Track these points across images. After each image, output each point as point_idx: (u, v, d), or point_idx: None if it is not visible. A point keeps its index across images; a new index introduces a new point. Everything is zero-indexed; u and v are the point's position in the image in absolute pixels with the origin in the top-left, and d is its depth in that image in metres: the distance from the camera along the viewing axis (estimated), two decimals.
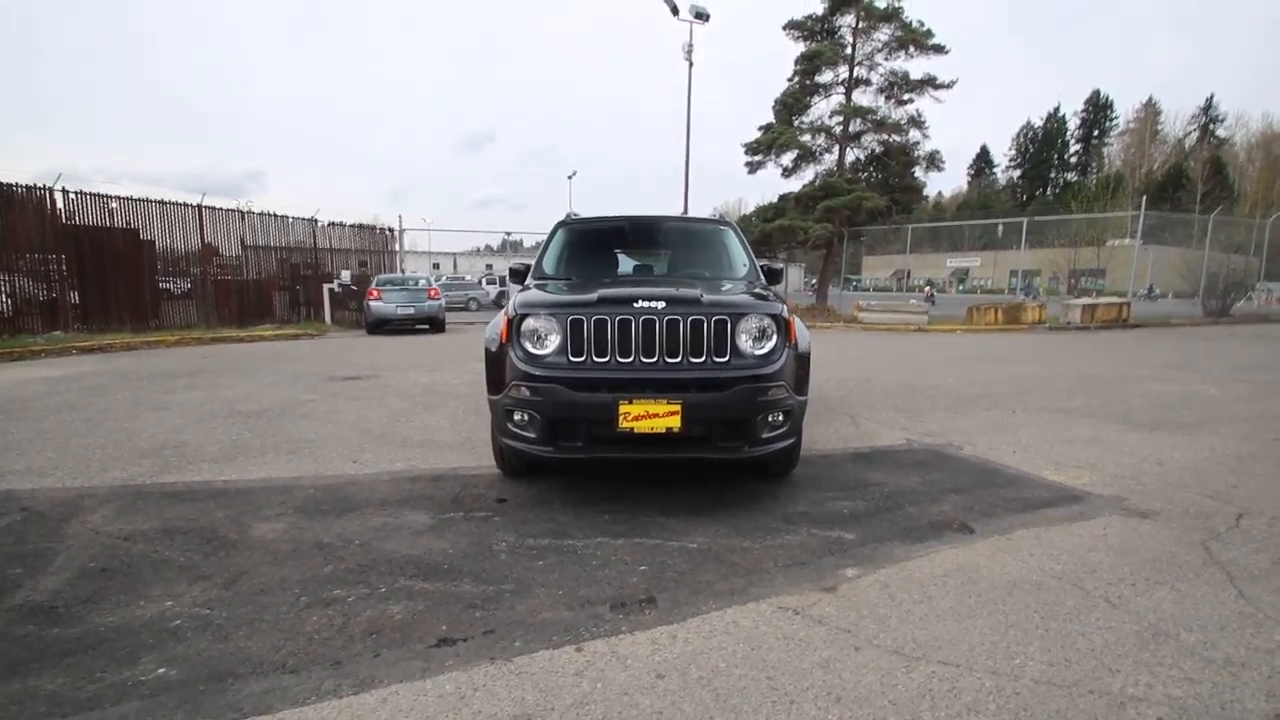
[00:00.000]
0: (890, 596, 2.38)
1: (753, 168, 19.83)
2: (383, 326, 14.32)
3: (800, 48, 19.54)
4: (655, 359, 3.05)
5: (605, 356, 3.07)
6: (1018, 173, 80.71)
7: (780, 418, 3.18)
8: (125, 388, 7.01)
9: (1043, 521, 3.13)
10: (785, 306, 3.30)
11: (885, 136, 19.51)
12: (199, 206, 14.18)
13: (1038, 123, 79.76)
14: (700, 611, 2.27)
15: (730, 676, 1.89)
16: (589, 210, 5.28)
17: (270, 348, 11.61)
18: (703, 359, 3.06)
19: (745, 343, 3.13)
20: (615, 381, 3.02)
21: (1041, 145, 79.23)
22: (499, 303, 28.39)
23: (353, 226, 17.87)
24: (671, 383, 3.01)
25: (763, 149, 19.34)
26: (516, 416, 3.17)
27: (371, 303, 14.12)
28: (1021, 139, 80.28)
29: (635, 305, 3.07)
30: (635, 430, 2.98)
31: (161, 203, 13.50)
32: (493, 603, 2.32)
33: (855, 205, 17.51)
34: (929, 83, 18.85)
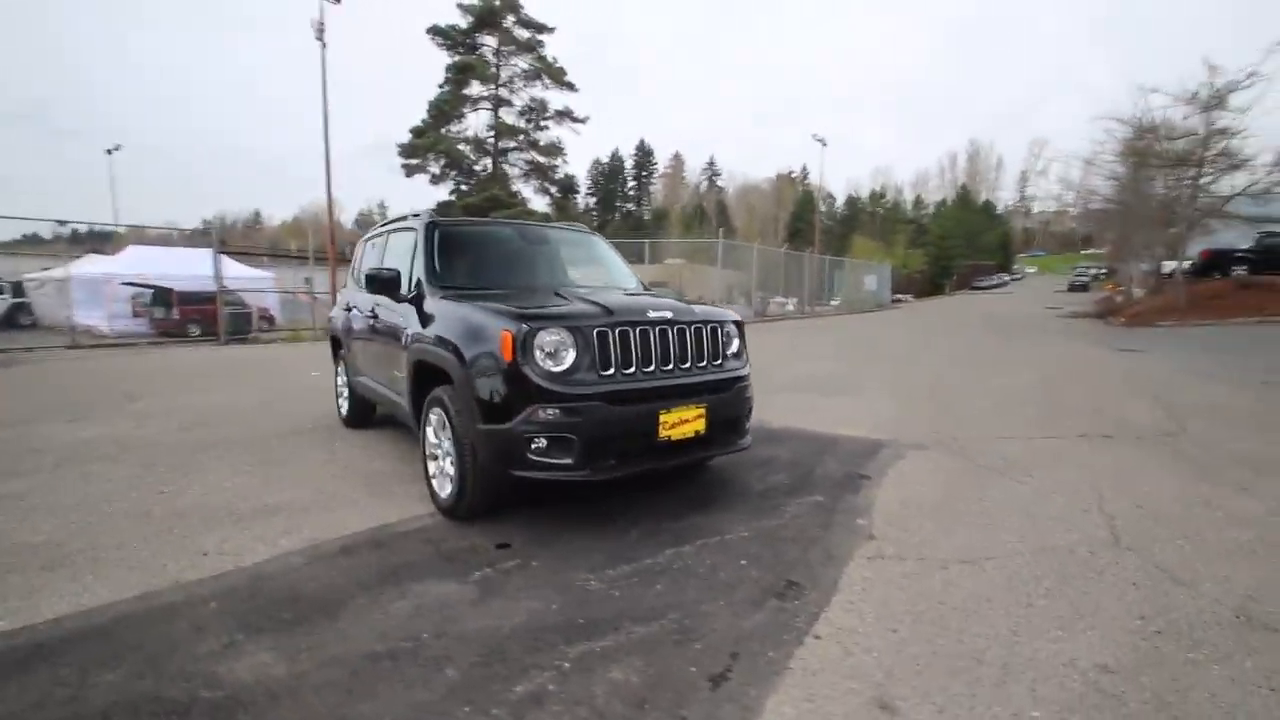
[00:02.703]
0: (905, 530, 3.14)
1: (410, 170, 18.72)
2: None
3: (446, 57, 19.40)
4: (672, 366, 3.15)
5: (631, 368, 3.02)
6: (594, 199, 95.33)
7: (749, 411, 3.64)
8: None
9: (887, 462, 4.37)
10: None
11: (532, 157, 21.01)
12: None
13: (605, 160, 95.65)
14: (837, 579, 2.61)
15: (928, 609, 2.35)
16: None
17: None
18: (705, 364, 3.30)
19: (727, 348, 3.49)
20: (653, 391, 3.01)
21: (609, 179, 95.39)
22: (13, 320, 19.58)
23: None
24: (696, 387, 3.17)
25: (421, 152, 18.48)
26: (537, 444, 2.83)
27: None
28: (595, 172, 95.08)
29: (650, 315, 3.11)
30: (672, 438, 3.04)
31: None
32: (689, 632, 2.19)
33: (520, 218, 18.43)
34: (567, 114, 21.13)
